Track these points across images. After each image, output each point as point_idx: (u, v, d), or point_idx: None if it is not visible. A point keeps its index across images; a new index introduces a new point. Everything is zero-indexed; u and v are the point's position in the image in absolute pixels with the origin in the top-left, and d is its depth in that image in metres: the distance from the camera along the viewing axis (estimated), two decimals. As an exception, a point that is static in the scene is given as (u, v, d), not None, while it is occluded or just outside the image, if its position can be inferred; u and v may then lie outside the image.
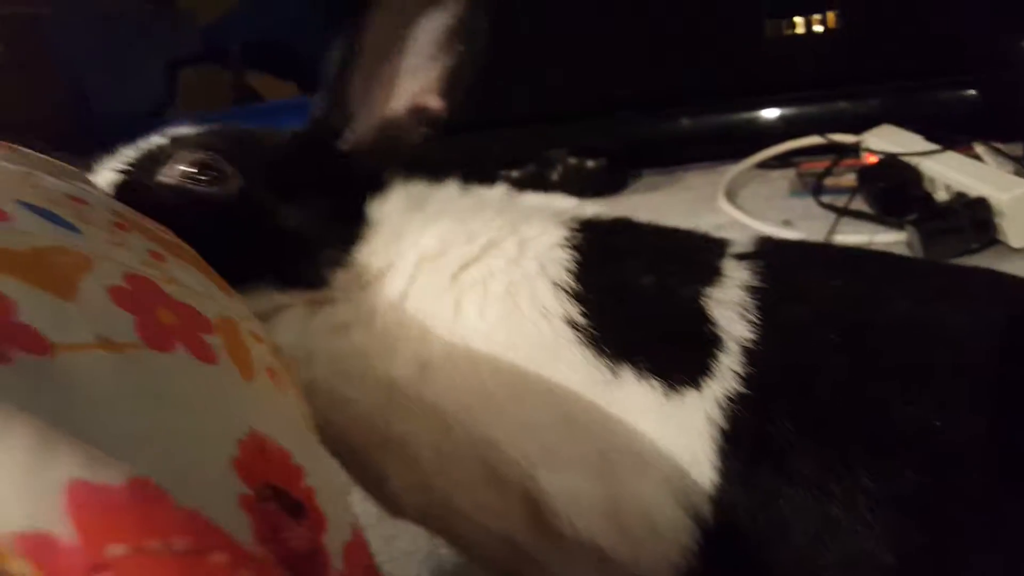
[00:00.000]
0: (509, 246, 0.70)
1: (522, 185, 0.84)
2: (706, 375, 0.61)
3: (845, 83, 2.28)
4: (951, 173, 1.72)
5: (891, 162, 1.86)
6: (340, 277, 0.72)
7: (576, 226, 0.72)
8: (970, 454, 0.57)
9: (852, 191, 1.87)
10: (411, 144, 0.78)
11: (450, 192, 0.80)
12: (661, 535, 0.63)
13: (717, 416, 0.60)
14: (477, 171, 0.84)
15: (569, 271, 0.67)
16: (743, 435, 0.60)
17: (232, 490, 0.40)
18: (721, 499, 0.60)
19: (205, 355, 0.45)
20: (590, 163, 2.27)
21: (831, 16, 2.24)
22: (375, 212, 0.75)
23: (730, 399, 0.60)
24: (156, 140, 0.79)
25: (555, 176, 2.23)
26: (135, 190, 0.72)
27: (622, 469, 0.63)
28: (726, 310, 0.63)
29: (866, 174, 1.88)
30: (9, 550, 0.28)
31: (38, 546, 0.27)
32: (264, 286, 0.71)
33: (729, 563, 0.62)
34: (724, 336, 0.62)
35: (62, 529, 0.27)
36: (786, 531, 0.59)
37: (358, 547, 0.52)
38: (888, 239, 1.70)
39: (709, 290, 0.64)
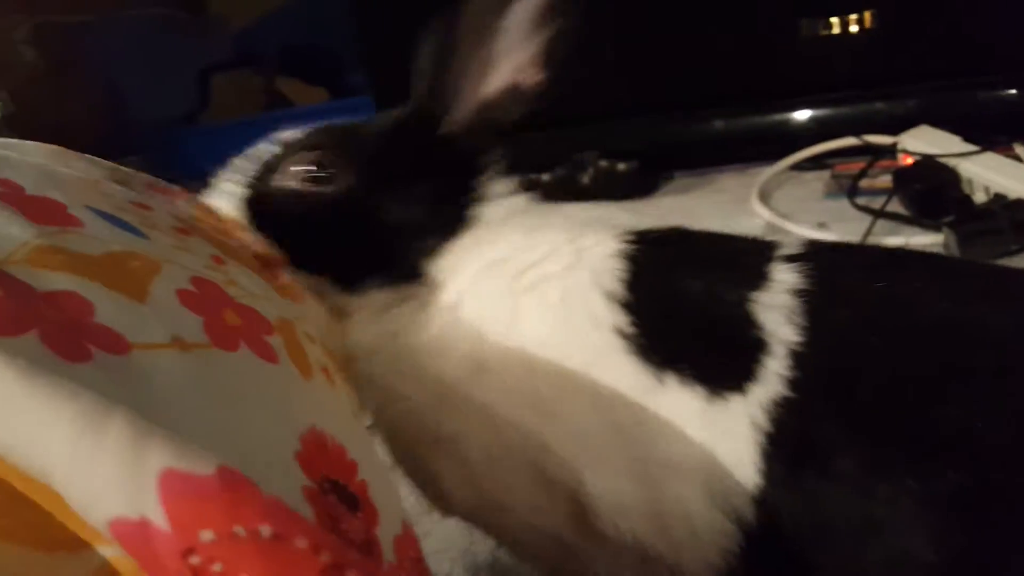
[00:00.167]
0: (566, 255, 0.72)
1: (553, 188, 0.85)
2: (751, 380, 0.62)
3: (881, 83, 2.25)
4: (990, 174, 1.70)
5: (928, 163, 1.84)
6: (431, 268, 0.75)
7: (631, 237, 0.72)
8: (1012, 456, 0.57)
9: (888, 193, 1.85)
10: (509, 122, 0.81)
11: (538, 208, 0.82)
12: (702, 538, 0.63)
13: (762, 420, 0.61)
14: (509, 174, 0.85)
15: (620, 281, 0.68)
16: (788, 438, 0.60)
17: (297, 482, 0.41)
18: (764, 502, 0.61)
19: (267, 355, 0.47)
20: (621, 166, 2.26)
21: (867, 15, 2.22)
22: (475, 210, 0.78)
23: (776, 403, 0.61)
24: (265, 147, 0.83)
25: (586, 179, 2.22)
26: (254, 200, 0.76)
27: (664, 474, 0.64)
28: (773, 314, 0.63)
29: (902, 175, 1.86)
30: (103, 534, 0.29)
31: (131, 531, 0.29)
32: (380, 282, 0.75)
33: (770, 565, 0.63)
34: (771, 340, 0.62)
35: (155, 515, 0.29)
36: (829, 533, 0.59)
37: (408, 540, 0.53)
38: (925, 241, 1.68)
39: (756, 295, 0.64)
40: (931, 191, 1.76)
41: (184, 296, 0.45)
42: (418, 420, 0.71)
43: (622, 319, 0.66)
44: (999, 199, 1.63)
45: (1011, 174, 1.69)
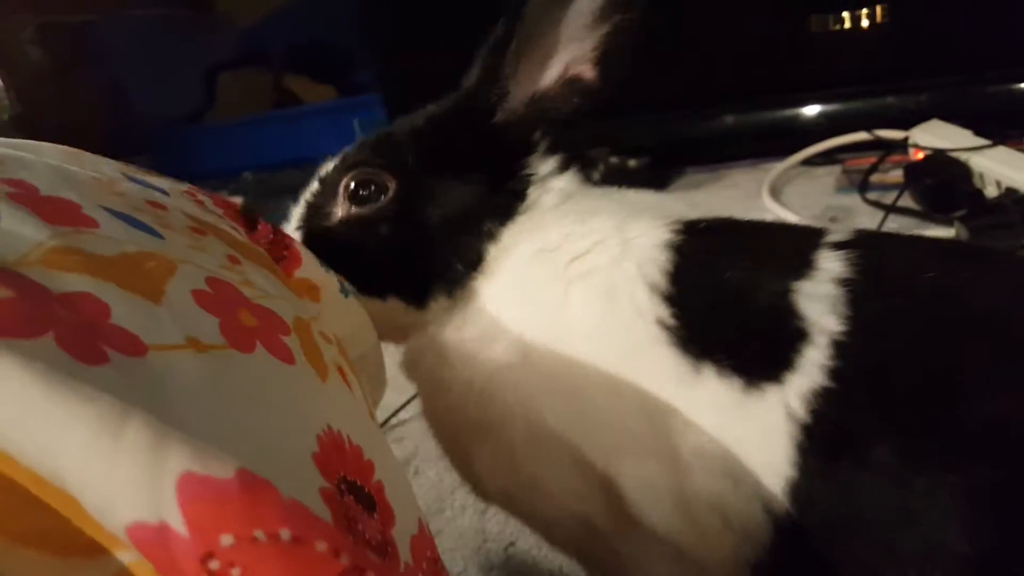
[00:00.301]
0: (614, 245, 0.72)
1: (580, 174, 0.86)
2: (789, 370, 0.62)
3: (892, 78, 2.25)
4: (1001, 168, 1.70)
5: (939, 158, 1.83)
6: (491, 255, 0.77)
7: (678, 227, 0.73)
8: None
9: (899, 188, 1.85)
10: (563, 114, 0.81)
11: (588, 193, 0.83)
12: (733, 528, 0.64)
13: (799, 410, 0.60)
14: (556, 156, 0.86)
15: (664, 272, 0.69)
16: (825, 429, 0.60)
17: (315, 484, 0.41)
18: (797, 493, 0.61)
19: (284, 356, 0.47)
20: (632, 162, 2.26)
21: (878, 10, 2.21)
22: (530, 196, 0.80)
23: (815, 393, 0.60)
24: (312, 187, 0.85)
25: (597, 175, 2.23)
26: (317, 239, 0.78)
27: (696, 464, 0.64)
28: (816, 303, 0.63)
29: (913, 170, 1.86)
30: (120, 539, 0.29)
31: (150, 536, 0.28)
32: (445, 288, 0.77)
33: (802, 556, 0.62)
34: (812, 330, 0.62)
35: (174, 520, 0.28)
36: (863, 523, 0.59)
37: (424, 540, 0.53)
38: (936, 236, 1.68)
39: (800, 284, 0.64)
40: (942, 185, 1.76)
41: (200, 297, 0.44)
42: (461, 407, 0.73)
43: (664, 311, 0.67)
44: (1010, 193, 1.63)
45: (1022, 168, 1.68)
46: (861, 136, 2.15)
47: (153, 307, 0.41)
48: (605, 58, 0.79)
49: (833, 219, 1.85)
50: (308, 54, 3.99)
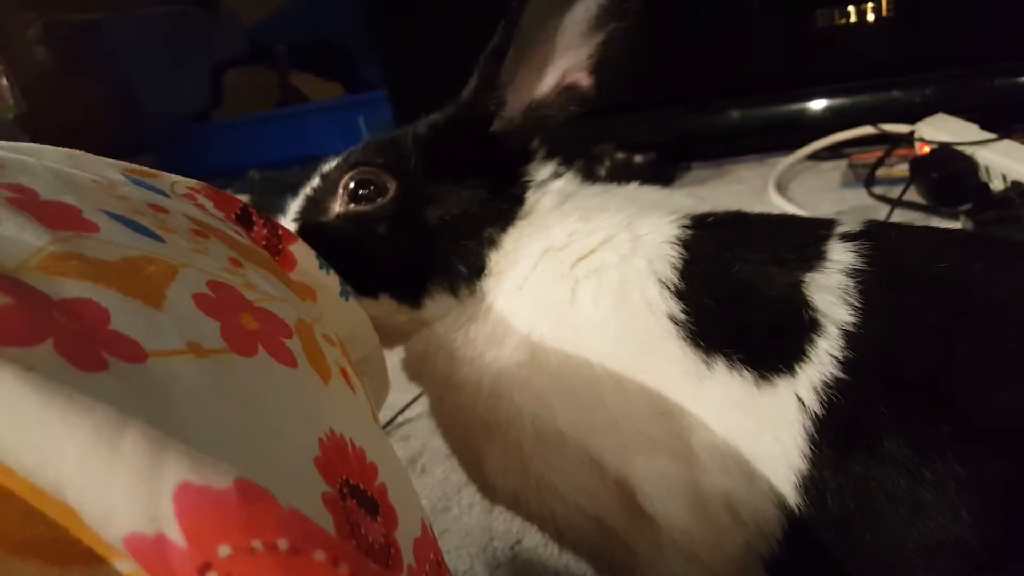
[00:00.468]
0: (623, 241, 0.72)
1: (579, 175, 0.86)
2: (801, 361, 0.62)
3: (898, 72, 2.25)
4: (1007, 162, 1.69)
5: (945, 151, 1.83)
6: (493, 260, 0.77)
7: (687, 223, 0.73)
8: None
9: (905, 182, 1.85)
10: (560, 122, 0.82)
11: (588, 191, 0.84)
12: (744, 524, 0.64)
13: (811, 402, 0.60)
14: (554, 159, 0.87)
15: (675, 268, 0.69)
16: (837, 420, 0.60)
17: (316, 489, 0.41)
18: (810, 486, 0.61)
19: (286, 359, 0.47)
20: (638, 158, 2.27)
21: (883, 3, 2.21)
22: (528, 200, 0.80)
23: (826, 384, 0.60)
24: (312, 182, 0.86)
25: (603, 171, 2.23)
26: (313, 232, 0.78)
27: (708, 459, 0.64)
28: (827, 294, 0.63)
29: (919, 164, 1.86)
30: (117, 549, 0.29)
31: (147, 547, 0.28)
32: (445, 287, 0.78)
33: (814, 551, 0.62)
34: (824, 320, 0.62)
35: (171, 531, 0.28)
36: (875, 516, 0.59)
37: (427, 542, 0.53)
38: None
39: (811, 275, 0.64)
40: (948, 179, 1.76)
41: (201, 301, 0.44)
42: (470, 407, 0.74)
43: (675, 306, 0.67)
44: (1016, 187, 1.62)
45: (1029, 161, 1.66)
46: (867, 130, 2.15)
47: (154, 312, 0.41)
48: (601, 65, 0.80)
49: (839, 214, 1.84)
50: (314, 51, 4.00)
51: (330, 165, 0.86)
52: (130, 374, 0.36)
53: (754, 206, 1.97)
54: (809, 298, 0.63)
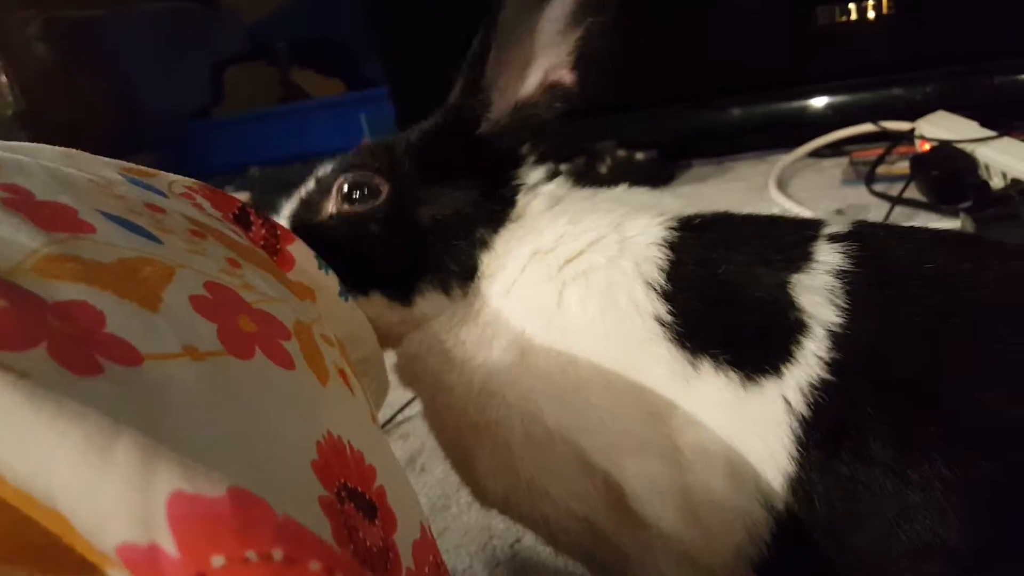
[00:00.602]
0: (611, 243, 0.72)
1: (570, 179, 0.86)
2: (787, 362, 0.61)
3: (898, 69, 2.25)
4: (1007, 159, 1.69)
5: (945, 149, 1.83)
6: (484, 261, 0.77)
7: (674, 225, 0.73)
8: None
9: (906, 179, 1.84)
10: (546, 120, 0.82)
11: (577, 195, 0.83)
12: (733, 525, 0.64)
13: (798, 403, 0.60)
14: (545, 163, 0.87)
15: (661, 269, 0.69)
16: (824, 421, 0.60)
17: (313, 493, 0.41)
18: (798, 487, 0.60)
19: (284, 361, 0.46)
20: (639, 155, 2.26)
21: (884, 1, 2.21)
22: (519, 203, 0.81)
23: (813, 385, 0.60)
24: (306, 185, 0.86)
25: (604, 169, 2.23)
26: (306, 233, 0.76)
27: (696, 460, 0.64)
28: (813, 295, 0.63)
29: (920, 161, 1.85)
30: (110, 559, 0.29)
31: (140, 557, 0.28)
32: (436, 287, 0.78)
33: (804, 554, 0.62)
34: (810, 321, 0.62)
35: (164, 540, 0.28)
36: (862, 518, 0.59)
37: (426, 544, 0.53)
38: (942, 227, 1.67)
39: (797, 276, 0.64)
40: (948, 177, 1.75)
41: (198, 302, 0.44)
42: (461, 409, 0.74)
43: (661, 307, 0.67)
44: (1016, 184, 1.62)
45: (1029, 159, 1.66)
46: (867, 128, 2.15)
47: (150, 315, 0.40)
48: (582, 61, 0.80)
49: (839, 211, 1.84)
50: (315, 48, 3.99)
51: (325, 168, 0.86)
52: (125, 378, 0.36)
53: (755, 203, 1.99)
54: (795, 299, 0.63)
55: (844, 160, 2.16)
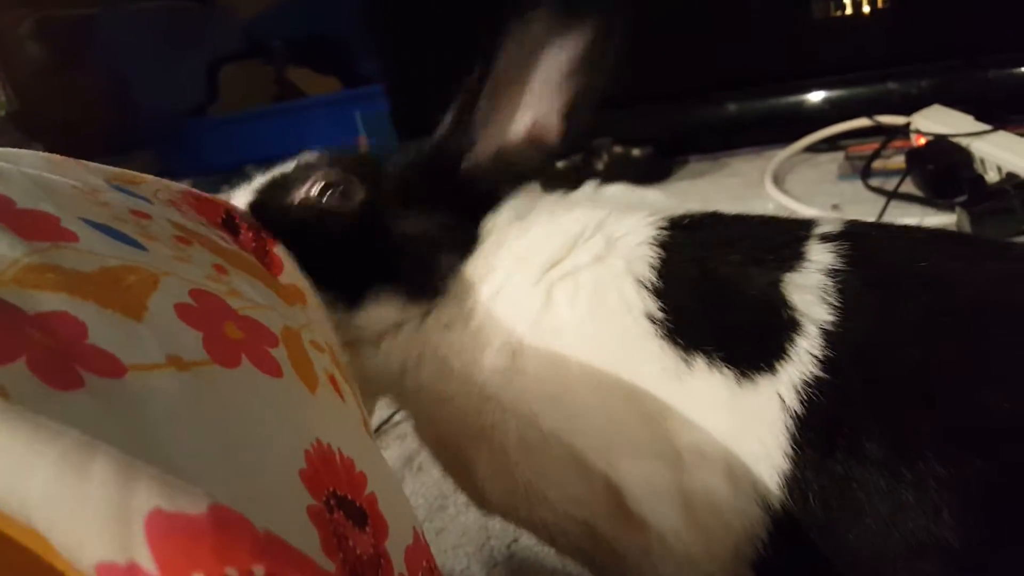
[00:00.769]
0: (597, 243, 0.73)
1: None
2: (782, 360, 0.61)
3: (894, 63, 2.25)
4: (1002, 153, 1.70)
5: (941, 143, 1.83)
6: (452, 285, 0.76)
7: (664, 224, 0.73)
8: None
9: (901, 173, 1.84)
10: (526, 169, 0.82)
11: (548, 199, 0.83)
12: (730, 525, 0.64)
13: (792, 401, 0.60)
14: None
15: (652, 267, 0.69)
16: (818, 420, 0.60)
17: (301, 503, 0.40)
18: (792, 486, 0.60)
19: (271, 369, 0.46)
20: (635, 151, 2.26)
21: (880, -5, 2.21)
22: (485, 226, 0.79)
23: (807, 383, 0.60)
24: (285, 167, 0.85)
25: (600, 165, 2.23)
26: (269, 211, 0.77)
27: (692, 460, 0.64)
28: (806, 294, 0.63)
29: (915, 156, 1.86)
30: (90, 576, 0.28)
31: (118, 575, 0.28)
32: (389, 299, 0.76)
33: (801, 553, 0.62)
34: (803, 320, 0.62)
35: (143, 559, 0.27)
36: (858, 517, 0.58)
37: (419, 549, 0.52)
38: (938, 221, 1.67)
39: (789, 275, 0.64)
40: (944, 171, 1.76)
41: (183, 311, 0.43)
42: (461, 417, 0.73)
43: (653, 305, 0.67)
44: (1011, 178, 1.62)
45: (1023, 153, 1.67)
46: (863, 122, 2.15)
47: (134, 324, 0.40)
48: (570, 117, 0.80)
49: (836, 206, 1.84)
50: (310, 45, 3.97)
51: (310, 157, 0.85)
52: (107, 391, 0.35)
53: (751, 199, 1.99)
54: (788, 297, 0.63)
55: (840, 155, 2.16)
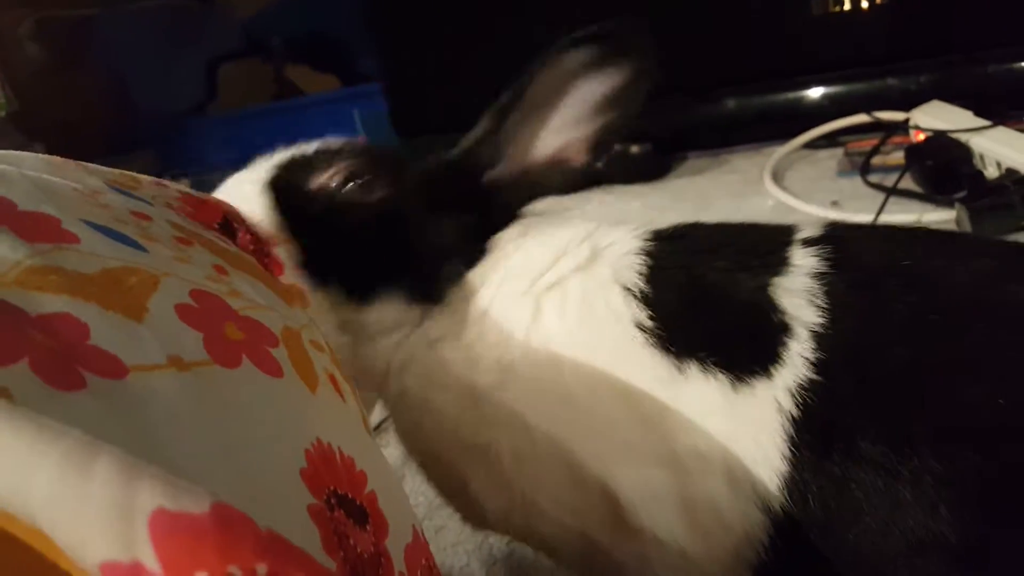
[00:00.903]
0: (582, 254, 0.73)
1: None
2: (775, 363, 0.62)
3: (892, 59, 2.25)
4: (1001, 149, 1.69)
5: (940, 139, 1.83)
6: (452, 294, 0.77)
7: (648, 235, 0.74)
8: None
9: (901, 170, 1.84)
10: (546, 192, 0.84)
11: (549, 215, 0.84)
12: (731, 529, 0.64)
13: (788, 404, 0.61)
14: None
15: (640, 275, 0.69)
16: (814, 421, 0.60)
17: (301, 502, 0.40)
18: (791, 489, 0.61)
19: (271, 369, 0.46)
20: (634, 148, 2.26)
21: (879, -10, 2.21)
22: (494, 240, 0.80)
23: (801, 386, 0.61)
24: (306, 148, 0.85)
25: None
26: (289, 190, 0.77)
27: (691, 465, 0.64)
28: (794, 297, 0.63)
29: (914, 152, 1.86)
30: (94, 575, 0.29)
31: (122, 574, 0.28)
32: (394, 299, 0.76)
33: (799, 553, 0.62)
34: (793, 323, 0.62)
35: (146, 558, 0.28)
36: (857, 516, 0.59)
37: (419, 547, 0.52)
38: (937, 218, 1.67)
39: (777, 280, 0.65)
40: (943, 167, 1.76)
41: (183, 311, 0.44)
42: (452, 431, 0.73)
43: (641, 312, 0.67)
44: (1011, 174, 1.62)
45: (1022, 148, 1.67)
46: (862, 118, 2.15)
47: (135, 326, 0.40)
48: (597, 148, 0.81)
49: (835, 203, 1.84)
50: (309, 44, 3.97)
51: (331, 143, 0.85)
52: (109, 392, 0.35)
53: (750, 196, 1.99)
54: (777, 301, 0.64)
55: (839, 151, 2.16)
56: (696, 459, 0.64)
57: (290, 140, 0.87)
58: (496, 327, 0.72)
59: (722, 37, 2.30)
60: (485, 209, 0.81)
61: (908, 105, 2.03)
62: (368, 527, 0.46)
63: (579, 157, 0.82)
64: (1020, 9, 2.02)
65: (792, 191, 1.95)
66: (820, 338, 0.61)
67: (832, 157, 2.17)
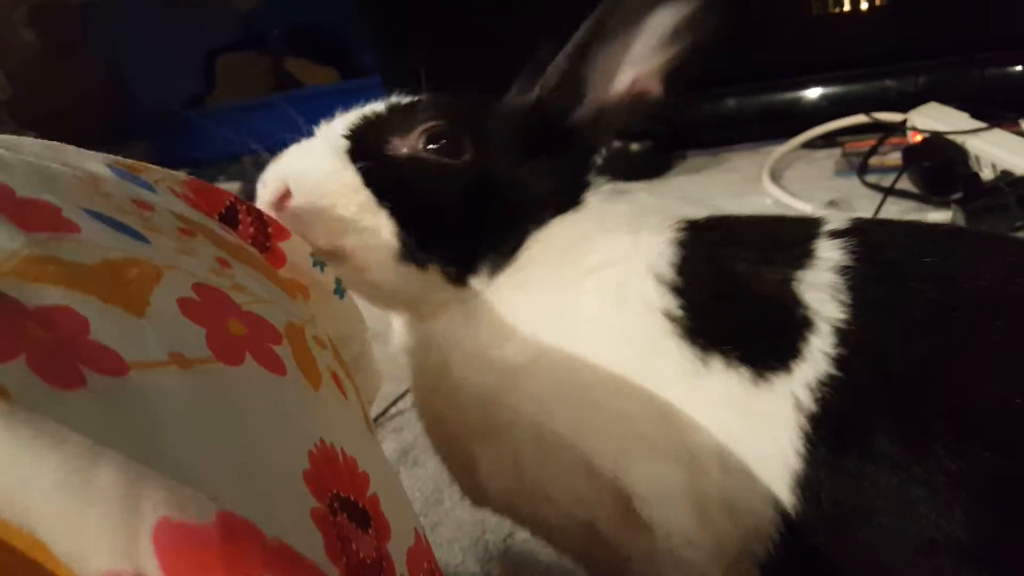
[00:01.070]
0: (625, 244, 0.72)
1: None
2: (795, 359, 0.61)
3: (891, 61, 2.25)
4: (997, 151, 1.71)
5: (936, 140, 1.84)
6: (516, 257, 0.75)
7: (683, 225, 0.73)
8: None
9: (898, 170, 1.85)
10: (626, 125, 0.82)
11: (615, 194, 0.82)
12: (743, 524, 0.63)
13: (806, 400, 0.60)
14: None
15: (671, 265, 0.68)
16: (832, 418, 0.60)
17: (305, 505, 0.39)
18: (804, 485, 0.60)
19: (274, 366, 0.45)
20: (634, 146, 2.26)
21: (879, -8, 2.22)
22: (582, 199, 0.79)
23: (821, 382, 0.60)
24: (376, 106, 0.83)
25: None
26: (369, 157, 0.76)
27: (707, 459, 0.63)
28: (817, 292, 0.63)
29: (911, 153, 1.87)
30: (95, 587, 0.27)
31: (125, 586, 0.27)
32: (486, 270, 0.75)
33: (809, 551, 0.62)
34: (815, 318, 0.62)
35: (151, 569, 0.27)
36: (869, 515, 0.58)
37: (420, 550, 0.51)
38: (933, 219, 1.68)
39: (800, 273, 0.64)
40: (939, 168, 1.77)
41: (186, 306, 0.42)
42: (473, 407, 0.72)
43: (671, 302, 0.66)
44: (1005, 176, 1.64)
45: (1017, 150, 1.68)
46: (860, 119, 2.15)
47: (136, 320, 0.39)
48: (672, 76, 0.80)
49: (832, 202, 1.84)
50: (308, 36, 3.96)
51: (397, 99, 0.83)
52: (110, 390, 0.34)
53: (749, 194, 1.99)
54: (800, 296, 0.63)
55: (837, 151, 2.17)
56: (711, 456, 0.63)
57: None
58: (532, 309, 0.71)
59: (721, 36, 2.30)
60: (565, 159, 0.80)
61: (906, 106, 2.04)
62: (370, 531, 0.45)
63: (655, 88, 0.80)
64: (1017, 13, 2.03)
65: (790, 190, 1.96)
66: (842, 334, 0.61)
67: (830, 157, 2.17)
